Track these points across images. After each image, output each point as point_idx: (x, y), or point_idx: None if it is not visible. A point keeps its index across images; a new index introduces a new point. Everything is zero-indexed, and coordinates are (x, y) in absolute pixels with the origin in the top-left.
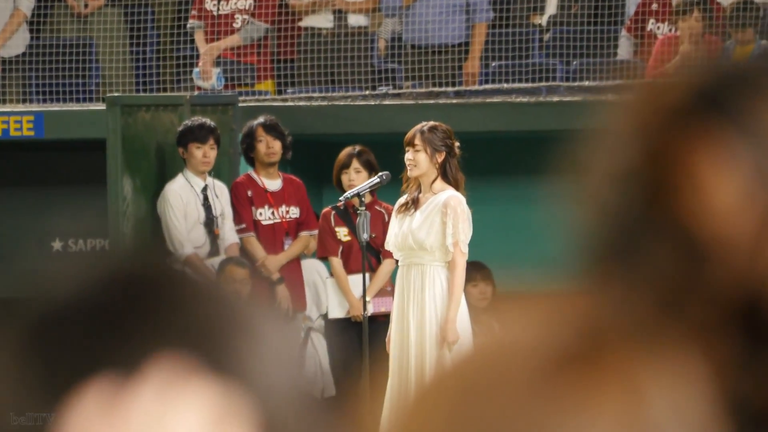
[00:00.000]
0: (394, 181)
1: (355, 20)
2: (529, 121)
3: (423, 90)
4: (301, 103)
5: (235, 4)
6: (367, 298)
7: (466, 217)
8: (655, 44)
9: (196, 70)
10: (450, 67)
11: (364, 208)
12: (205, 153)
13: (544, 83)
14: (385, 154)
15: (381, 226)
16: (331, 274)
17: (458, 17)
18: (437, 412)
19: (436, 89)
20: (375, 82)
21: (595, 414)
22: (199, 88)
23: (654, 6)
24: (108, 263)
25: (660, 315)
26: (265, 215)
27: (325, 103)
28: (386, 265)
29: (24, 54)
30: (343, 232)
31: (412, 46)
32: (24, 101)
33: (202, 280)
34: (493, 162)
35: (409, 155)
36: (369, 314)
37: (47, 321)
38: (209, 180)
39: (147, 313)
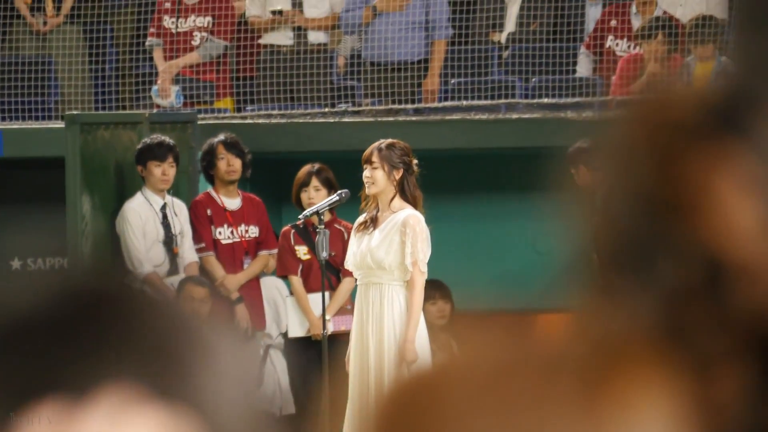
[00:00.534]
0: (354, 198)
1: (315, 37)
2: (489, 138)
3: (382, 107)
4: (261, 121)
5: (194, 21)
6: (327, 317)
7: (425, 236)
8: (618, 62)
9: (154, 87)
10: (409, 84)
11: (323, 226)
12: (164, 171)
13: (503, 100)
14: (345, 172)
15: (341, 244)
16: (291, 293)
17: (417, 34)
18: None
19: (396, 106)
20: (334, 99)
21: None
22: (158, 106)
23: (613, 23)
24: (66, 280)
25: (666, 338)
26: (224, 234)
27: (284, 120)
28: (346, 284)
29: None
30: (302, 251)
31: (372, 63)
32: None
33: (161, 299)
34: (452, 179)
35: (366, 172)
36: (329, 333)
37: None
38: (168, 198)
39: (103, 333)
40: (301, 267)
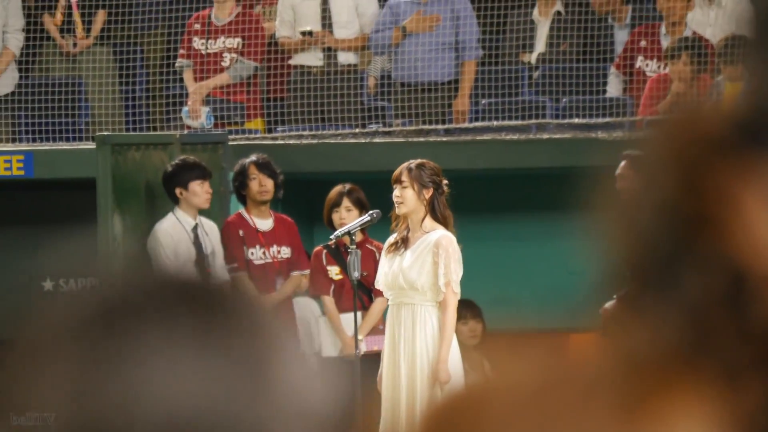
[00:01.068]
0: (385, 219)
1: (345, 58)
2: (519, 158)
3: (413, 128)
4: (291, 141)
5: (224, 42)
6: (360, 337)
7: (458, 257)
8: (647, 83)
9: (185, 108)
10: (439, 104)
11: (355, 246)
12: (206, 189)
13: (533, 121)
14: (376, 192)
15: (372, 264)
16: (324, 313)
17: (447, 55)
18: None
19: (426, 127)
20: (365, 119)
21: None
22: (188, 127)
23: (642, 43)
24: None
25: (695, 352)
26: (256, 255)
27: (315, 141)
28: (378, 304)
29: (13, 93)
30: (334, 271)
31: (402, 84)
32: (13, 140)
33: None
34: (483, 200)
35: (396, 192)
36: (361, 353)
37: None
38: (198, 218)
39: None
40: (333, 287)
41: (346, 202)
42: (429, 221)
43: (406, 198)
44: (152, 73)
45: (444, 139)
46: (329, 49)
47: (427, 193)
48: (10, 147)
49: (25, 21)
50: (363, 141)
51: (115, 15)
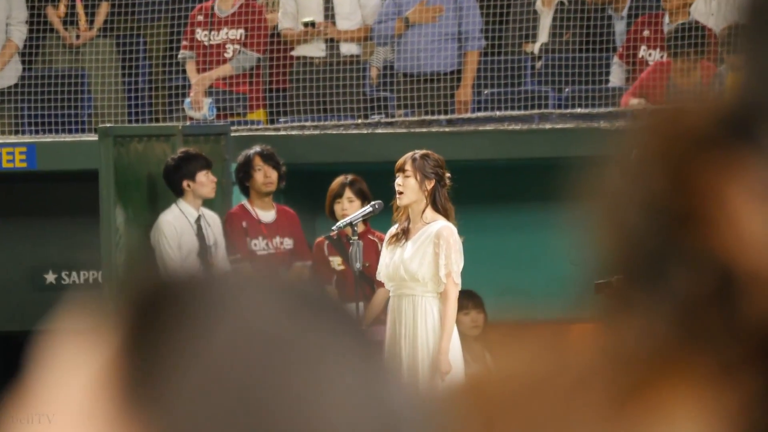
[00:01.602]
0: (387, 209)
1: (347, 49)
2: (522, 148)
3: (415, 118)
4: (294, 132)
5: (226, 34)
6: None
7: (459, 248)
8: (647, 68)
9: (187, 100)
10: (442, 95)
11: (357, 237)
12: (211, 178)
13: (536, 111)
14: (378, 183)
15: (374, 254)
16: None
17: (450, 45)
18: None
19: (429, 117)
20: (367, 110)
21: None
22: (191, 119)
23: (645, 33)
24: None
25: (685, 347)
26: (259, 246)
27: (317, 132)
28: (380, 294)
29: (16, 85)
30: (336, 262)
31: (404, 75)
32: (16, 132)
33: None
34: (485, 190)
35: (399, 180)
36: None
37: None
38: (201, 210)
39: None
40: (335, 278)
41: (348, 193)
42: (430, 212)
43: (408, 187)
44: (155, 64)
45: (446, 129)
46: (332, 40)
47: (429, 184)
48: (13, 139)
49: (28, 13)
50: (365, 132)
51: (117, 7)
